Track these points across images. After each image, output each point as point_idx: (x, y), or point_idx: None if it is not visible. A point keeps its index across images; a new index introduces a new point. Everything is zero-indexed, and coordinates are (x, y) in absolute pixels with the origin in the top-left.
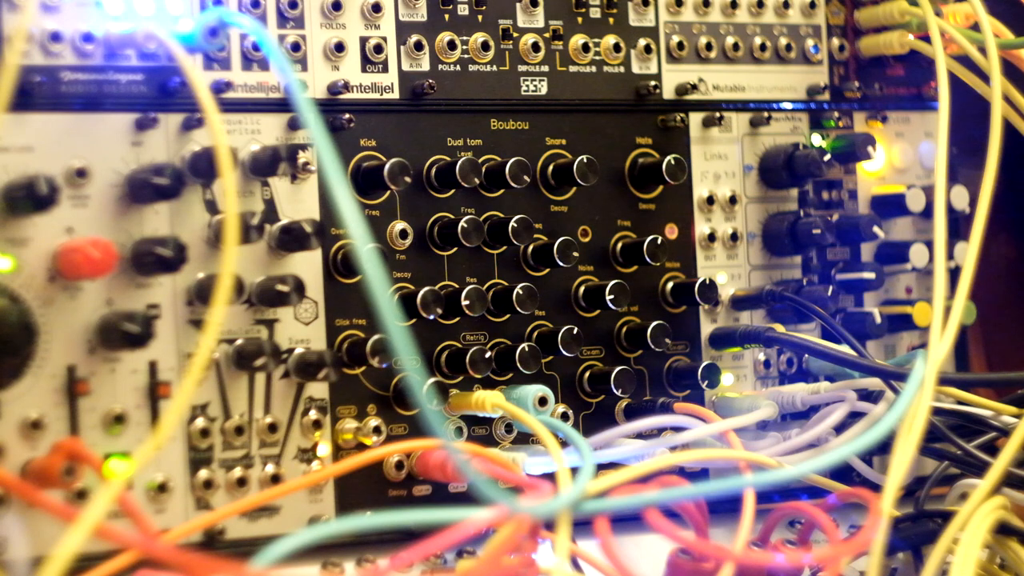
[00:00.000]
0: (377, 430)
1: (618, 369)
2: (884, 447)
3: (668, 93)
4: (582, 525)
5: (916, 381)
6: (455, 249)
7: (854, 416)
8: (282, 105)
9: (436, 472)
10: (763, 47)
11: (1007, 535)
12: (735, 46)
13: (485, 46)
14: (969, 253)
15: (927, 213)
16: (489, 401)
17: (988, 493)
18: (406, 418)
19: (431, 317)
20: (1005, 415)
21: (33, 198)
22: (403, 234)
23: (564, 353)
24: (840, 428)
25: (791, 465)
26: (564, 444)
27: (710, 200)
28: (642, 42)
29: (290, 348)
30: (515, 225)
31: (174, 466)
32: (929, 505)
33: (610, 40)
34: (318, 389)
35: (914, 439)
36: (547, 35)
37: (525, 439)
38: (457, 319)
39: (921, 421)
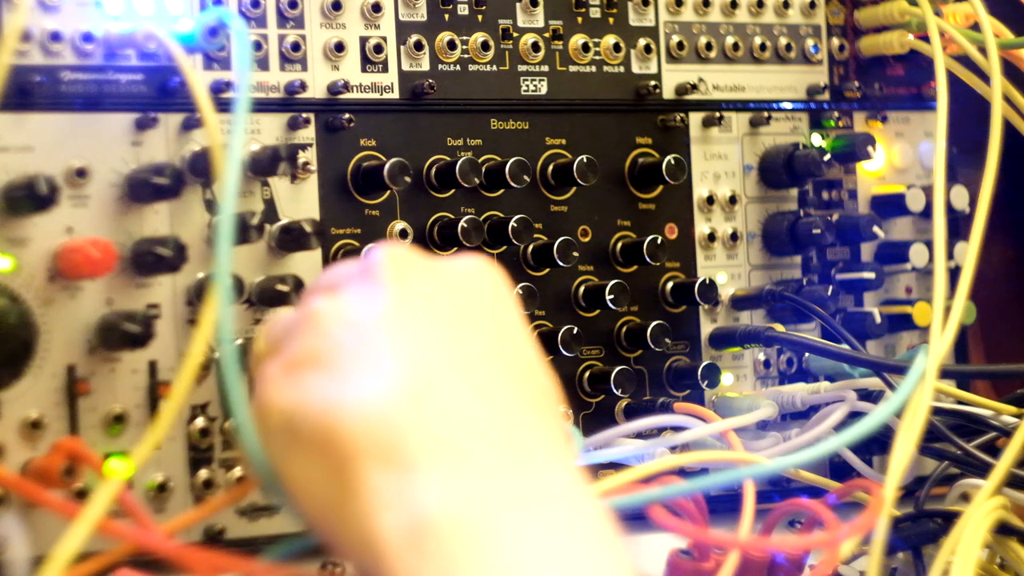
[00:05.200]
0: None
1: (618, 369)
2: (884, 446)
3: (668, 93)
4: None
5: (917, 372)
6: (455, 249)
7: (854, 416)
8: (282, 105)
9: None
10: (763, 47)
11: (1007, 535)
12: (735, 46)
13: (485, 46)
14: (970, 252)
15: (927, 213)
16: None
17: (991, 493)
18: None
19: None
20: (1005, 415)
21: (33, 198)
22: (403, 234)
23: (564, 353)
24: (840, 428)
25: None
26: None
27: (710, 200)
28: (642, 42)
29: None
30: (515, 225)
31: (174, 466)
32: (929, 505)
33: (610, 40)
34: None
35: (917, 425)
36: (547, 35)
37: None
38: None
39: (924, 411)
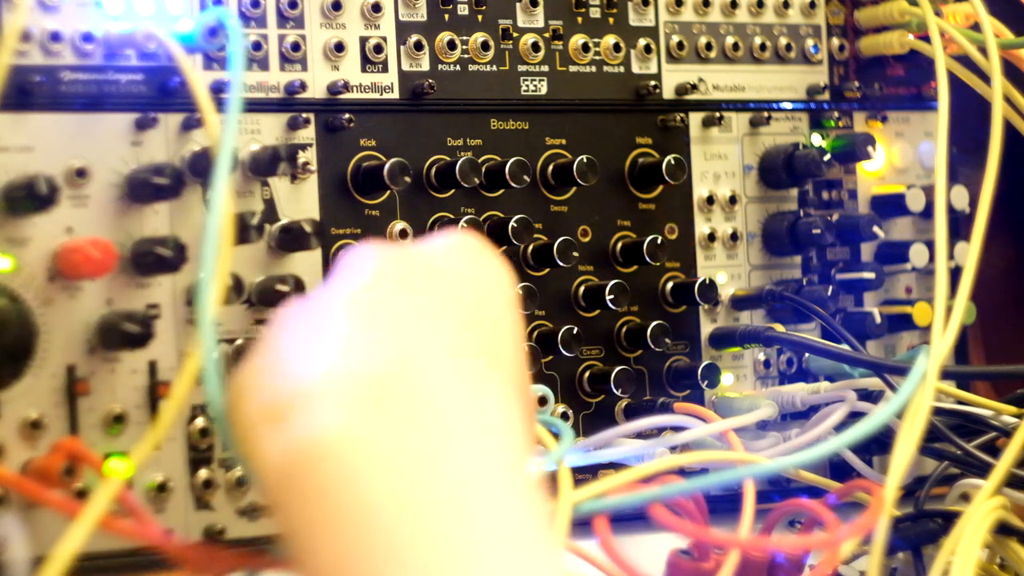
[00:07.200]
0: None
1: (618, 369)
2: (884, 446)
3: (668, 93)
4: (581, 525)
5: (918, 373)
6: None
7: (854, 416)
8: (282, 105)
9: None
10: (763, 47)
11: (1007, 535)
12: (735, 46)
13: (485, 46)
14: (971, 253)
15: (927, 213)
16: None
17: (991, 493)
18: None
19: None
20: (1005, 415)
21: (33, 198)
22: (403, 234)
23: (564, 353)
24: (840, 428)
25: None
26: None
27: (710, 200)
28: (642, 42)
29: None
30: (515, 225)
31: (174, 466)
32: (929, 505)
33: (610, 40)
34: None
35: (918, 426)
36: (547, 35)
37: None
38: None
39: (924, 412)
